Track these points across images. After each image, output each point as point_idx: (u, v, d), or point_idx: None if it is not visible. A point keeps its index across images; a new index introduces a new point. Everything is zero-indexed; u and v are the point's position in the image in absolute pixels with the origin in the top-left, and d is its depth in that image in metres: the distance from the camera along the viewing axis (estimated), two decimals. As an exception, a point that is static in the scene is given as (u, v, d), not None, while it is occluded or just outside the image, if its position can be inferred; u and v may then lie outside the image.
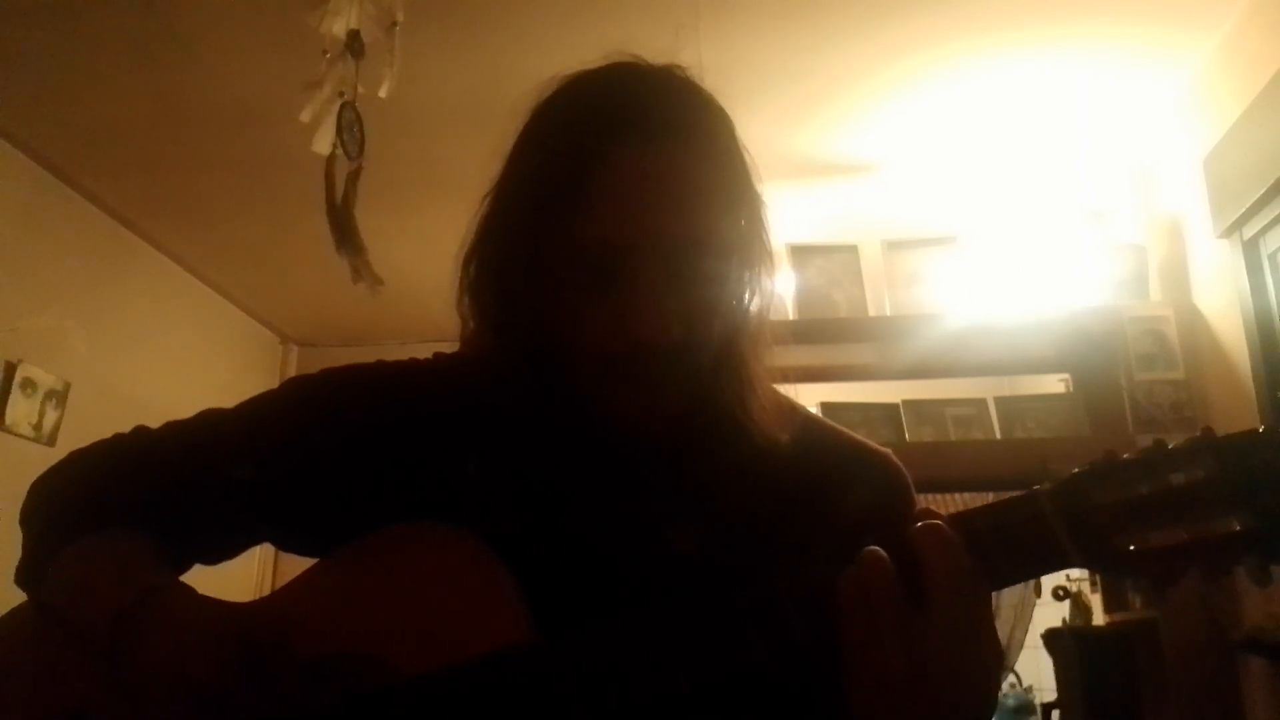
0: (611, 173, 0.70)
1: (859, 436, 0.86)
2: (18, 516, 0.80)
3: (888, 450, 0.83)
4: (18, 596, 0.77)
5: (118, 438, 0.81)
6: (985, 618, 0.61)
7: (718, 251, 0.72)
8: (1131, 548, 0.59)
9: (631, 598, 0.66)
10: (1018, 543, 0.61)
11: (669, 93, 0.74)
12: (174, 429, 0.81)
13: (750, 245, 0.76)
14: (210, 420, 0.81)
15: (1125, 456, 0.61)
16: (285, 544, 0.81)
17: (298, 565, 0.77)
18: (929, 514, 0.62)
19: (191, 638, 0.67)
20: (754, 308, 0.78)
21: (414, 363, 0.84)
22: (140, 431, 0.82)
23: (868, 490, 0.79)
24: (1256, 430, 0.59)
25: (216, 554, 0.80)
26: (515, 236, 0.74)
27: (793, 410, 0.82)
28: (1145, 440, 0.63)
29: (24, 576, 0.77)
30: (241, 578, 3.56)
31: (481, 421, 0.77)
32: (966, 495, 2.52)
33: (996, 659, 0.62)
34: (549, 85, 0.77)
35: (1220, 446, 0.59)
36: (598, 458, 0.75)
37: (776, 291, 0.81)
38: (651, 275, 0.69)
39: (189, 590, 0.72)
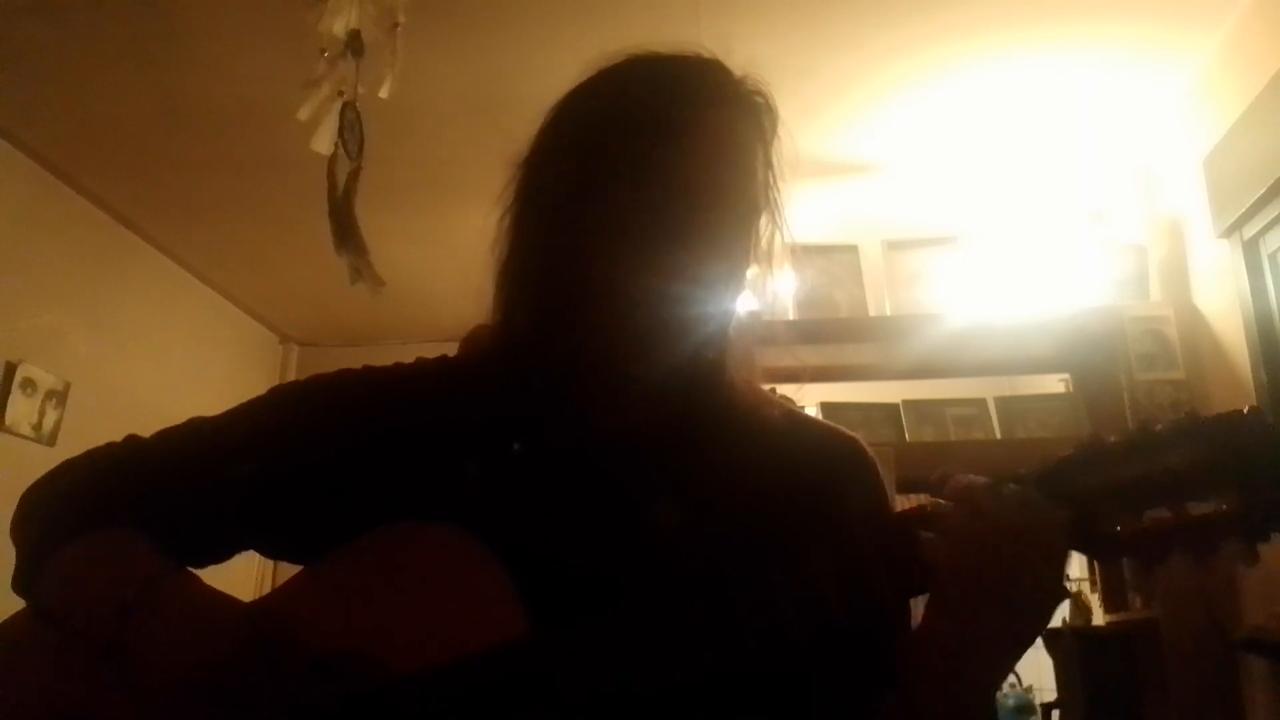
0: (688, 132, 0.74)
1: (829, 423, 0.89)
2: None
3: (855, 434, 0.86)
4: (17, 601, 0.77)
5: (108, 446, 0.82)
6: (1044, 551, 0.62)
7: (747, 230, 0.78)
8: (1118, 529, 0.60)
9: (625, 582, 0.67)
10: None
11: (735, 79, 0.81)
12: (165, 435, 0.81)
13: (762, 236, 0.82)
14: (200, 426, 0.82)
15: (1111, 440, 0.61)
16: (274, 550, 0.81)
17: (298, 566, 0.77)
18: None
19: (197, 625, 0.67)
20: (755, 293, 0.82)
21: (401, 366, 0.85)
22: (131, 439, 0.82)
23: (858, 482, 0.81)
24: (1239, 411, 0.60)
25: (206, 558, 0.80)
26: (581, 172, 0.76)
27: (773, 400, 0.85)
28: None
29: (20, 584, 0.77)
30: (241, 578, 3.56)
31: (474, 421, 0.78)
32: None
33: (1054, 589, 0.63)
34: (610, 59, 0.81)
35: (1204, 429, 0.60)
36: (588, 446, 0.77)
37: (777, 288, 0.85)
38: (697, 229, 0.73)
39: (192, 578, 0.72)
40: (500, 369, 0.80)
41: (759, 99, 0.81)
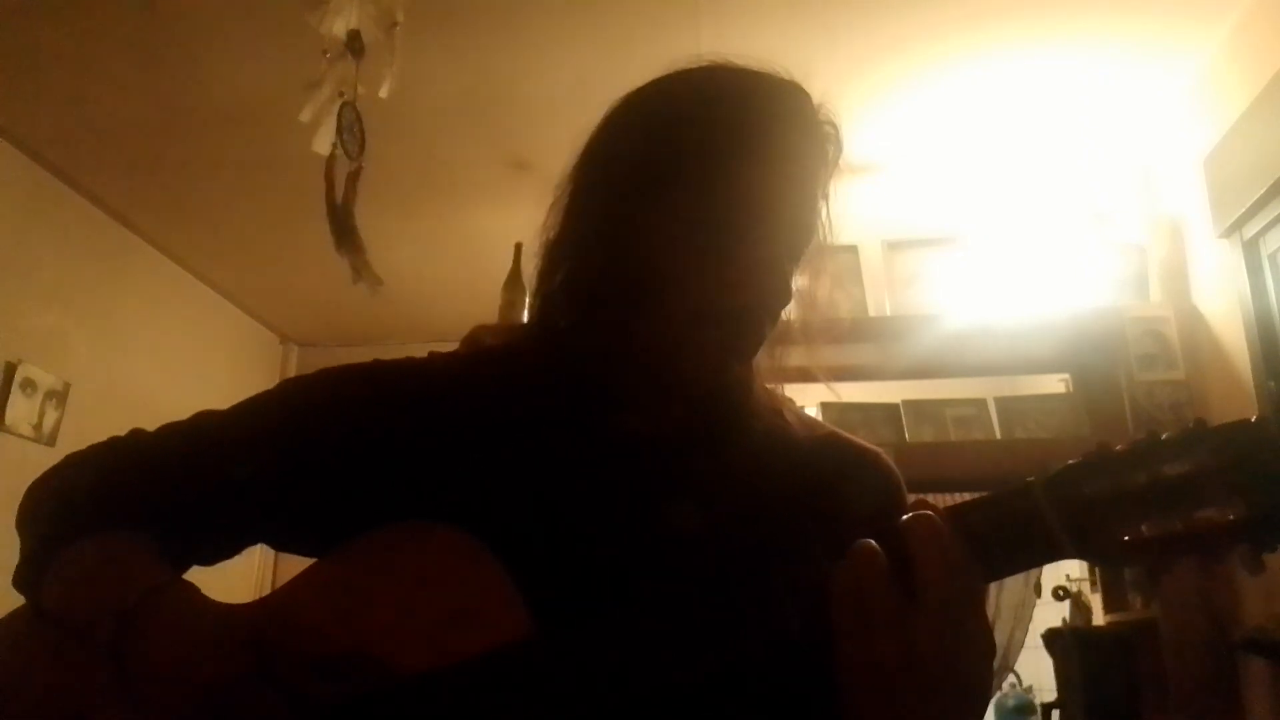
0: (761, 144, 0.75)
1: (850, 435, 0.88)
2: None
3: (878, 448, 0.85)
4: (17, 598, 0.77)
5: (114, 440, 0.81)
6: (977, 609, 0.61)
7: (799, 250, 0.79)
8: (1125, 538, 0.60)
9: (636, 581, 0.67)
10: (1012, 535, 0.62)
11: (812, 104, 0.81)
12: (171, 430, 0.81)
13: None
14: (207, 421, 0.81)
15: (1118, 448, 0.61)
16: (283, 543, 0.81)
17: (298, 565, 0.77)
18: (923, 504, 0.62)
19: (197, 636, 0.67)
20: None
21: (410, 361, 0.84)
22: (137, 434, 0.82)
23: (868, 489, 0.81)
24: (1248, 420, 0.59)
25: (215, 554, 0.80)
26: (665, 170, 0.76)
27: (793, 408, 0.85)
28: (1144, 441, 0.63)
29: (22, 580, 0.77)
30: (242, 578, 3.56)
31: (482, 418, 0.77)
32: (967, 496, 2.51)
33: (988, 652, 0.62)
34: (691, 62, 0.81)
35: (1212, 436, 0.59)
36: (602, 445, 0.76)
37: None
38: (775, 245, 0.75)
39: (192, 589, 0.72)
40: (524, 361, 0.80)
41: (830, 129, 0.81)
